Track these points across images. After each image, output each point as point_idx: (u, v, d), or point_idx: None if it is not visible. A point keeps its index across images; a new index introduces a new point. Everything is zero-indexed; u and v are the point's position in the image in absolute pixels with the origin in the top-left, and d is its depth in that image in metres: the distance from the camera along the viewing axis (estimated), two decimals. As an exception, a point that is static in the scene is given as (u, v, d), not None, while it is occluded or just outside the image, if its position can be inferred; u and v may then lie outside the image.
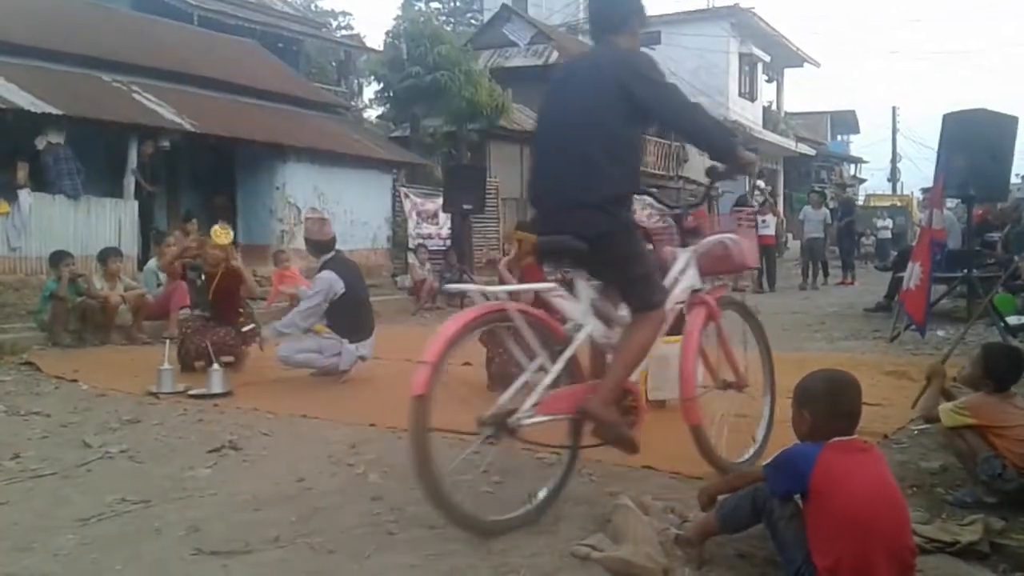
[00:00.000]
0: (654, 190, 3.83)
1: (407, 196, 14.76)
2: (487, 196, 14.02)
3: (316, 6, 31.28)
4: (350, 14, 39.95)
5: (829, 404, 2.23)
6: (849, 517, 2.05)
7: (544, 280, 3.35)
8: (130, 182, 10.51)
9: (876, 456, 2.23)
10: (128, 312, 7.78)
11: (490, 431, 2.58)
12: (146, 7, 15.19)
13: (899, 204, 30.87)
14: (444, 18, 32.30)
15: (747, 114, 25.98)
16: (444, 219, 14.56)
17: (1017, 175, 15.18)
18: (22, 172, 9.20)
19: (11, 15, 11.36)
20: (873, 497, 2.09)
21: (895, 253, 12.51)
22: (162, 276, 8.32)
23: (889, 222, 24.61)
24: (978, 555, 2.40)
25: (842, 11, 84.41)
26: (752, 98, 27.89)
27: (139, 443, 3.92)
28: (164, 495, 3.10)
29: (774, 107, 31.28)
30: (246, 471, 3.47)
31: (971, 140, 7.18)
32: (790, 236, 21.43)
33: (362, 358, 5.71)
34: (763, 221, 13.30)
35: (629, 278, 2.86)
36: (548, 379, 2.67)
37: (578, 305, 2.87)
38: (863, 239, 23.20)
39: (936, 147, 7.57)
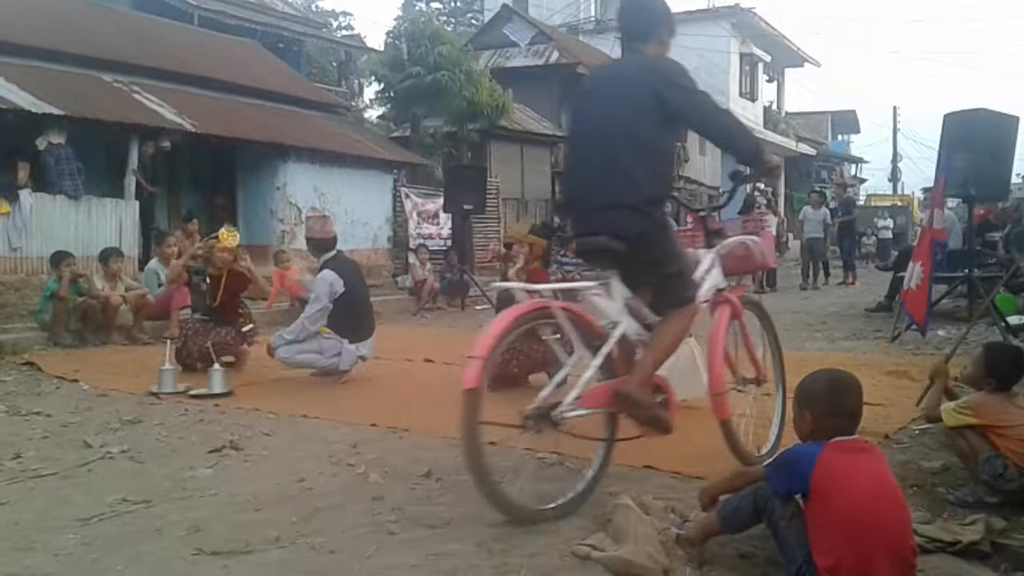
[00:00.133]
0: (675, 193, 3.92)
1: (408, 196, 14.77)
2: (488, 196, 14.02)
3: (317, 6, 31.31)
4: (351, 14, 40.09)
5: (830, 404, 2.23)
6: (850, 517, 2.05)
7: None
8: (131, 182, 10.51)
9: (877, 456, 2.23)
10: (129, 312, 7.78)
11: (534, 424, 2.67)
12: (147, 7, 15.19)
13: (900, 204, 30.90)
14: (445, 18, 32.35)
15: (748, 114, 25.96)
16: (445, 219, 14.56)
17: (1018, 175, 15.19)
18: (23, 172, 9.20)
19: (11, 15, 11.35)
20: (874, 497, 2.09)
21: (896, 253, 12.49)
22: (163, 276, 8.33)
23: (890, 222, 24.63)
24: (979, 555, 2.40)
25: (843, 11, 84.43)
26: (753, 98, 27.90)
27: (140, 443, 3.92)
28: (165, 495, 3.10)
29: (775, 107, 31.31)
30: (247, 471, 3.47)
31: (972, 140, 7.18)
32: (790, 236, 21.44)
33: (362, 358, 5.70)
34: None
35: (664, 275, 2.97)
36: (588, 374, 2.78)
37: (613, 304, 2.96)
38: (864, 239, 23.20)
39: (937, 147, 7.57)
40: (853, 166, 39.63)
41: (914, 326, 6.76)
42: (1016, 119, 7.53)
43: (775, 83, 31.36)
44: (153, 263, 8.70)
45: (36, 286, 8.53)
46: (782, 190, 28.26)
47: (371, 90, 22.22)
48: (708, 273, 3.27)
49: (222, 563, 2.45)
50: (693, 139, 20.49)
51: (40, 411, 4.63)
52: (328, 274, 5.59)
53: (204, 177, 13.72)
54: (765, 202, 15.10)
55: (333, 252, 5.83)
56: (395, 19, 22.07)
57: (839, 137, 39.43)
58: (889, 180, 40.60)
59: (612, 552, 2.35)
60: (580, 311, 2.89)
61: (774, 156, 3.11)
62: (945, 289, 7.79)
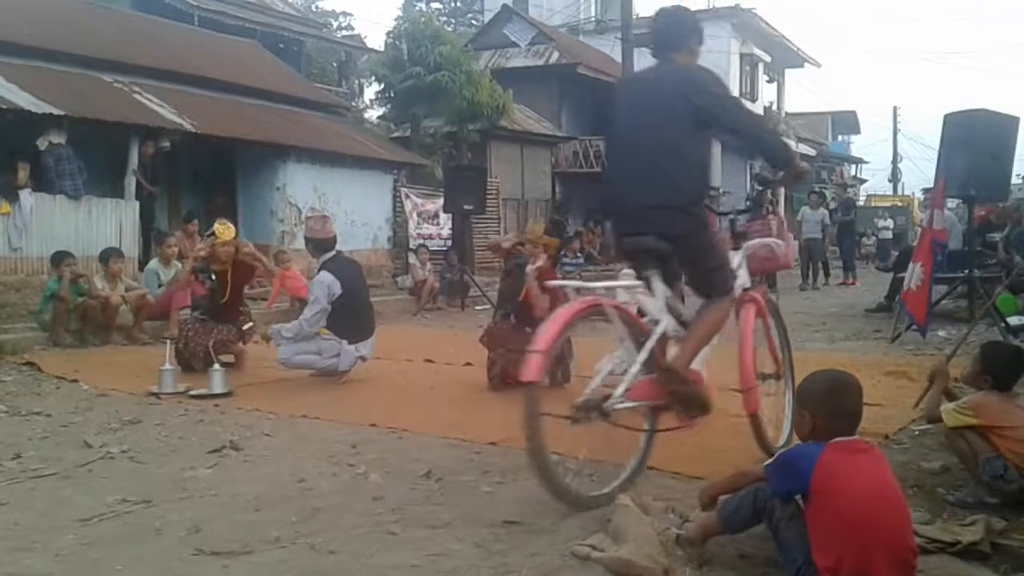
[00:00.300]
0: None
1: (408, 196, 14.77)
2: (488, 196, 14.02)
3: (317, 6, 31.33)
4: (351, 14, 40.04)
5: (830, 405, 2.24)
6: (850, 517, 2.05)
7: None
8: (131, 182, 10.50)
9: (877, 456, 2.23)
10: (129, 312, 7.78)
11: (585, 415, 2.78)
12: (147, 7, 15.18)
13: (900, 204, 30.92)
14: (445, 19, 32.37)
15: (748, 114, 25.89)
16: (445, 219, 14.57)
17: (1018, 175, 15.17)
18: (23, 172, 9.18)
19: (12, 15, 11.35)
20: (874, 497, 2.09)
21: (896, 253, 12.48)
22: (163, 276, 8.33)
23: (890, 222, 24.64)
24: (979, 555, 2.40)
25: (844, 11, 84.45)
26: (753, 98, 27.87)
27: (140, 443, 3.92)
28: (165, 495, 3.10)
29: (775, 107, 31.26)
30: (247, 471, 3.47)
31: (972, 140, 7.18)
32: (790, 236, 21.42)
33: (362, 358, 5.70)
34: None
35: (707, 269, 3.16)
36: (635, 368, 2.92)
37: (655, 301, 3.10)
38: (864, 239, 23.20)
39: (937, 147, 7.57)
40: (853, 166, 39.63)
41: (914, 326, 6.76)
42: (1016, 119, 7.53)
43: (775, 83, 31.34)
44: (153, 263, 8.70)
45: (36, 286, 8.53)
46: (783, 190, 28.25)
47: (371, 90, 22.28)
48: (738, 272, 3.43)
49: (222, 563, 2.46)
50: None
51: (40, 411, 4.63)
52: (325, 276, 5.58)
53: (204, 177, 13.70)
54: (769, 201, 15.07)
55: (332, 252, 5.82)
56: (395, 19, 22.11)
57: (839, 137, 39.43)
58: (889, 180, 40.69)
59: (612, 552, 2.35)
60: (629, 309, 3.04)
61: (803, 162, 3.22)
62: (945, 290, 7.79)
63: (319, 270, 5.70)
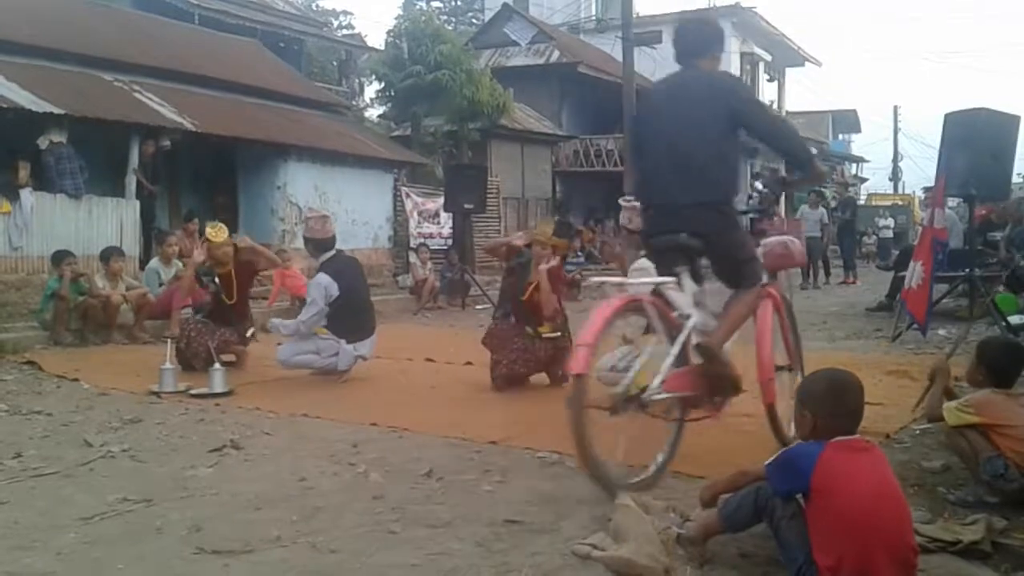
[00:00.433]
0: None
1: (408, 195, 14.76)
2: (488, 195, 14.01)
3: (317, 5, 31.28)
4: (351, 13, 39.87)
5: (831, 404, 2.23)
6: (851, 516, 2.05)
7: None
8: (131, 181, 10.49)
9: (878, 455, 2.23)
10: (130, 311, 7.78)
11: (623, 406, 2.88)
12: (147, 6, 15.17)
13: (901, 203, 30.88)
14: (445, 17, 32.33)
15: (749, 114, 25.89)
16: (445, 218, 14.55)
17: (1019, 174, 15.14)
18: (24, 171, 9.18)
19: (12, 14, 11.34)
20: (875, 496, 2.09)
21: (897, 252, 12.47)
22: (163, 275, 8.32)
23: (891, 221, 24.61)
24: (980, 554, 2.40)
25: (844, 10, 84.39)
26: (753, 97, 27.85)
27: (141, 442, 3.92)
28: (166, 494, 3.10)
29: (775, 106, 31.25)
30: (248, 470, 3.47)
31: (973, 139, 7.16)
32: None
33: (362, 358, 5.69)
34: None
35: (739, 262, 3.33)
36: (668, 361, 3.05)
37: (686, 297, 3.22)
38: (864, 238, 23.18)
39: (938, 146, 7.55)
40: (854, 165, 39.63)
41: (915, 325, 6.76)
42: (1017, 119, 7.51)
43: (776, 82, 31.33)
44: (154, 262, 8.70)
45: (37, 285, 8.53)
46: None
47: (372, 89, 22.25)
48: None
49: (223, 562, 2.46)
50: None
51: (41, 410, 4.64)
52: (322, 277, 5.57)
53: (205, 176, 13.69)
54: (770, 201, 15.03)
55: (332, 252, 5.82)
56: (396, 18, 22.12)
57: (840, 136, 39.40)
58: (890, 179, 40.66)
59: (613, 551, 2.35)
60: (662, 304, 3.14)
61: (823, 164, 3.32)
62: (946, 288, 7.78)
63: (318, 271, 5.70)
